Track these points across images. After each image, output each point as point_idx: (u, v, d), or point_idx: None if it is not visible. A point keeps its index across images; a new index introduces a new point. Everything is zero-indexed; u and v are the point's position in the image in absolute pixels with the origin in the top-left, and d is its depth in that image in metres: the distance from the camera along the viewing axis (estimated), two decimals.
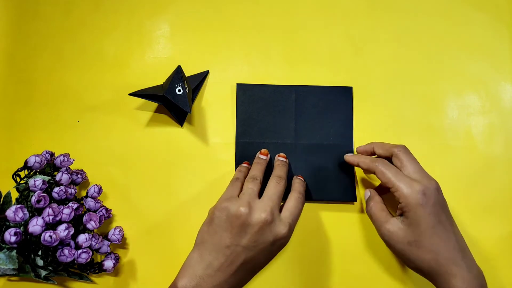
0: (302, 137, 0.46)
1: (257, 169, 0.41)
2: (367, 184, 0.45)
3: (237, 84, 0.47)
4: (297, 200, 0.39)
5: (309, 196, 0.44)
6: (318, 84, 0.47)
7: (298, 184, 0.41)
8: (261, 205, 0.36)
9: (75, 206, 0.41)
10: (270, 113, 0.46)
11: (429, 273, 0.35)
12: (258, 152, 0.44)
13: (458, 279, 0.34)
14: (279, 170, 0.41)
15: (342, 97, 0.46)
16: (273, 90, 0.47)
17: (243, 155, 0.46)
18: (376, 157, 0.41)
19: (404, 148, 0.39)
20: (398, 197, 0.36)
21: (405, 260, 0.37)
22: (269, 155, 0.44)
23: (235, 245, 0.34)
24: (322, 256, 0.44)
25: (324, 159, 0.45)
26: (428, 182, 0.36)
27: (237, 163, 0.46)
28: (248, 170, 0.43)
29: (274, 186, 0.38)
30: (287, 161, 0.44)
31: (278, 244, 0.36)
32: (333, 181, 0.44)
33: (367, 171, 0.42)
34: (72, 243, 0.39)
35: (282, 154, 0.44)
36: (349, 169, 0.45)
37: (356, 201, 0.44)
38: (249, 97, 0.47)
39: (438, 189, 0.36)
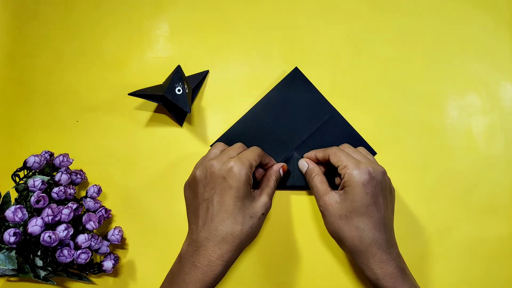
0: (302, 147, 0.45)
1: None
2: None
3: (296, 67, 0.47)
4: (250, 149, 0.40)
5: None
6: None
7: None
8: (211, 156, 0.39)
9: (75, 206, 0.41)
10: (296, 112, 0.46)
11: (352, 250, 0.36)
12: (280, 168, 0.42)
13: (376, 259, 0.35)
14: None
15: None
16: (316, 96, 0.46)
17: (242, 129, 0.46)
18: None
19: (349, 145, 0.42)
20: (343, 173, 0.37)
21: (332, 233, 0.38)
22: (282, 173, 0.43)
23: (201, 203, 0.36)
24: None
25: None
26: (376, 166, 0.38)
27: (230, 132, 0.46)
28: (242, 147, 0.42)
29: (234, 147, 0.40)
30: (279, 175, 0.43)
31: (232, 175, 0.36)
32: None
33: (322, 161, 0.42)
34: (72, 243, 0.39)
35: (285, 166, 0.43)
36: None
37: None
38: (293, 86, 0.46)
39: (384, 173, 0.38)
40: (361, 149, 0.42)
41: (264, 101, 0.47)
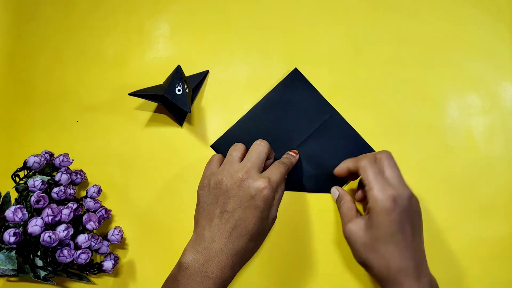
0: (302, 147, 0.45)
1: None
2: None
3: (295, 68, 0.47)
4: (276, 165, 0.39)
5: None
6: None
7: (283, 157, 0.42)
8: (240, 167, 0.37)
9: (75, 206, 0.41)
10: (295, 113, 0.46)
11: (379, 278, 0.35)
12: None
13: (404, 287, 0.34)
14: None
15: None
16: (316, 97, 0.46)
17: (244, 128, 0.46)
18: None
19: (388, 153, 0.39)
20: (369, 197, 0.36)
21: (359, 260, 0.37)
22: (298, 155, 0.44)
23: (221, 213, 0.36)
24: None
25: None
26: (402, 190, 0.36)
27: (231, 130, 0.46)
28: (244, 148, 0.41)
29: (256, 148, 0.39)
30: (296, 156, 0.44)
31: (261, 198, 0.35)
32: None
33: (353, 173, 0.42)
34: (72, 243, 0.39)
35: (295, 151, 0.44)
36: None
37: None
38: (293, 87, 0.46)
39: (410, 198, 0.36)
40: (391, 162, 0.39)
41: (264, 102, 0.47)
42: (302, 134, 0.46)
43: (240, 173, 0.36)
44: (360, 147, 0.45)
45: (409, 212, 0.36)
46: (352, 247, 0.37)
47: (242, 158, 0.39)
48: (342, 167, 0.42)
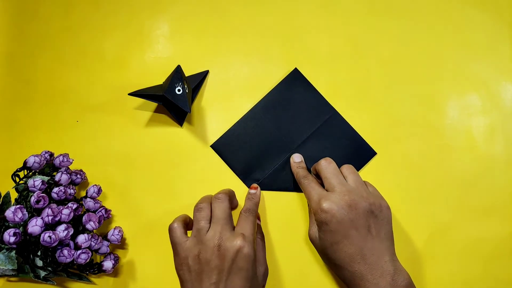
0: (302, 147, 0.45)
1: (204, 198, 0.41)
2: None
3: (295, 68, 0.47)
4: (244, 217, 0.39)
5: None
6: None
7: (246, 202, 0.42)
8: (211, 234, 0.36)
9: (75, 206, 0.41)
10: (296, 113, 0.46)
11: (342, 280, 0.37)
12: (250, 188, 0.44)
13: None
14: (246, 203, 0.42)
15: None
16: (316, 97, 0.46)
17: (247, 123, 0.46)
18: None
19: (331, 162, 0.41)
20: (309, 207, 0.38)
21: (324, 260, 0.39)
22: (259, 190, 0.44)
23: (209, 282, 0.34)
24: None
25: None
26: (340, 198, 0.37)
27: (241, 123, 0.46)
28: (208, 208, 0.40)
29: (217, 207, 0.38)
30: (258, 192, 0.43)
31: (242, 258, 0.35)
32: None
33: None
34: (72, 243, 0.39)
35: (254, 185, 0.44)
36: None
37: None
38: (293, 87, 0.46)
39: (349, 205, 0.36)
40: (347, 168, 0.41)
41: (264, 102, 0.47)
42: (302, 134, 0.46)
43: (214, 240, 0.35)
44: (360, 147, 0.45)
45: (350, 219, 0.36)
46: (316, 249, 0.39)
47: (209, 218, 0.38)
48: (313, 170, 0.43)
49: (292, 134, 0.46)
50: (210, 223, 0.38)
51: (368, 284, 0.34)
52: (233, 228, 0.38)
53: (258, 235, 0.42)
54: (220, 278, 0.34)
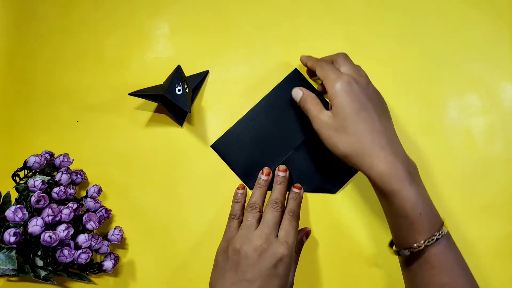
0: (302, 147, 0.45)
1: (257, 196, 0.42)
2: (358, 184, 0.45)
3: (295, 68, 0.47)
4: (289, 220, 0.39)
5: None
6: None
7: (291, 201, 0.42)
8: (258, 233, 0.37)
9: (75, 206, 0.41)
10: (296, 113, 0.46)
11: (355, 156, 0.35)
12: (260, 172, 0.44)
13: (380, 159, 0.34)
14: (277, 191, 0.42)
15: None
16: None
17: (247, 126, 0.46)
18: None
19: (344, 54, 0.40)
20: (327, 86, 0.37)
21: (332, 146, 0.37)
22: (271, 174, 0.44)
23: (240, 281, 0.35)
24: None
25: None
26: (358, 75, 0.38)
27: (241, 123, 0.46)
28: (244, 196, 0.44)
29: (270, 212, 0.39)
30: (287, 175, 0.44)
31: (282, 265, 0.36)
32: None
33: (311, 72, 0.45)
34: (72, 243, 0.39)
35: (282, 167, 0.44)
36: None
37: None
38: (292, 88, 0.45)
39: (367, 82, 0.38)
40: (346, 60, 0.40)
41: (264, 102, 0.47)
42: (302, 134, 0.46)
43: (259, 240, 0.36)
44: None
45: (368, 93, 0.37)
46: (323, 135, 0.37)
47: (259, 218, 0.39)
48: (302, 59, 0.44)
49: (292, 134, 0.46)
50: (258, 222, 0.39)
51: (387, 155, 0.34)
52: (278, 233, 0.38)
53: (296, 249, 0.41)
54: (255, 278, 0.35)
